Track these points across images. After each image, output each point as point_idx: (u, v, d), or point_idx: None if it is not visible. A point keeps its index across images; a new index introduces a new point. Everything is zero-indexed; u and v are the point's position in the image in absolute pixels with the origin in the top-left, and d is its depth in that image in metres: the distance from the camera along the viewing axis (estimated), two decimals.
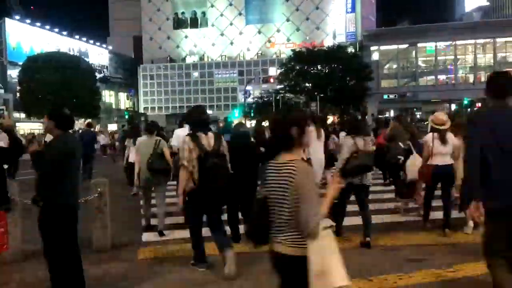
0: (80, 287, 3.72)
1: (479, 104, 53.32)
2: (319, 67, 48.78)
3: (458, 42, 59.63)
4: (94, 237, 5.27)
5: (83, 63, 49.53)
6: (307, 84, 48.75)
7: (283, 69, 51.08)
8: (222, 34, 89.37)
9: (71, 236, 3.69)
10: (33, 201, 3.68)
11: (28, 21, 65.52)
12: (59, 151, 3.60)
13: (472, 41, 59.27)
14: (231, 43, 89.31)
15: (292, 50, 56.68)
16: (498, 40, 58.29)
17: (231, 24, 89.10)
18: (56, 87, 39.53)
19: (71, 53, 61.39)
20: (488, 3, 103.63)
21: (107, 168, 14.85)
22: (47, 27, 68.91)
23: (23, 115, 47.44)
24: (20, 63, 49.65)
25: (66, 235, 3.63)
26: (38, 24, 67.10)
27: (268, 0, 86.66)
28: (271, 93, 52.79)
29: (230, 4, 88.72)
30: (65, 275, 3.66)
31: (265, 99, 56.32)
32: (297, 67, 49.12)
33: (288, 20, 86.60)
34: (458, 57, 61.10)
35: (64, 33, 72.71)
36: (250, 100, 56.63)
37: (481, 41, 59.22)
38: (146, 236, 5.91)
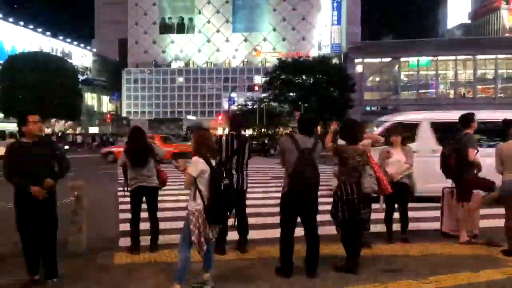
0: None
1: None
2: (303, 77, 49.15)
3: (439, 58, 60.97)
4: (69, 240, 5.18)
5: (66, 64, 48.84)
6: (291, 94, 49.03)
7: (268, 78, 51.30)
8: (208, 41, 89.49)
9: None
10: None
11: (11, 19, 64.44)
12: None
13: (453, 58, 60.70)
14: (217, 50, 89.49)
15: (277, 59, 57.05)
16: (478, 57, 59.82)
17: (218, 31, 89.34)
18: (37, 87, 38.84)
19: (54, 53, 60.58)
20: (469, 21, 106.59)
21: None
22: (31, 26, 67.92)
23: (0, 115, 46.45)
24: (1, 62, 48.69)
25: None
26: (21, 23, 66.07)
27: (256, 9, 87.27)
28: (256, 101, 52.93)
29: (218, 12, 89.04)
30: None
31: (249, 107, 56.44)
32: (282, 76, 49.41)
33: (274, 29, 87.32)
34: (439, 72, 62.43)
35: (48, 33, 71.77)
36: (234, 107, 56.67)
37: (462, 57, 60.68)
38: (123, 241, 5.82)
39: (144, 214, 5.47)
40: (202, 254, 4.00)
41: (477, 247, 5.53)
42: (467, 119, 5.92)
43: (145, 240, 5.45)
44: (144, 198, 5.40)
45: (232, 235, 5.41)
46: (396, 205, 6.04)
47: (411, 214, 7.66)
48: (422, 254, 5.25)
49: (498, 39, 72.74)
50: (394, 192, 5.52)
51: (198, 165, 3.88)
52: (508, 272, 4.61)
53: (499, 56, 59.22)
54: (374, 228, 6.56)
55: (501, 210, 5.50)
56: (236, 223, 5.31)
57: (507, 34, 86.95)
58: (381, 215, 7.32)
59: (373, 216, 7.40)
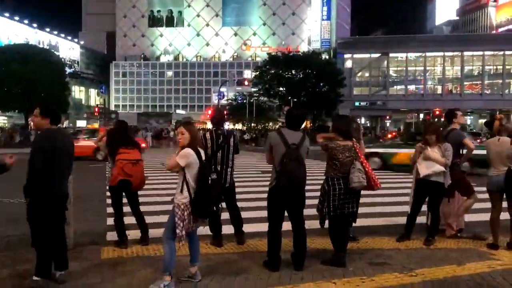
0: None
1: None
2: (293, 72, 49.18)
3: (428, 54, 61.45)
4: None
5: (53, 57, 48.05)
6: (281, 88, 49.09)
7: (258, 72, 51.23)
8: (198, 35, 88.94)
9: (57, 224, 4.05)
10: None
11: None
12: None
13: (441, 54, 61.22)
14: (207, 44, 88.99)
15: (267, 53, 56.96)
16: (465, 53, 60.43)
17: (207, 25, 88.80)
18: (23, 80, 38.13)
19: (41, 46, 59.60)
20: (457, 18, 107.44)
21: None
22: (16, 18, 66.71)
23: None
24: None
25: (52, 223, 3.97)
26: (7, 14, 64.88)
27: (245, 3, 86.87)
28: (245, 95, 52.86)
29: (207, 5, 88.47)
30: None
31: (239, 101, 56.36)
32: (272, 71, 49.39)
33: (264, 24, 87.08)
34: (428, 68, 62.94)
35: (34, 25, 70.56)
36: (223, 102, 56.51)
37: (450, 54, 61.24)
38: (111, 235, 5.79)
39: (128, 209, 5.47)
40: (180, 245, 3.97)
41: (462, 241, 5.62)
42: (451, 115, 6.01)
43: (132, 234, 5.44)
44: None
45: (229, 228, 5.45)
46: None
47: (396, 208, 7.76)
48: (408, 248, 5.31)
49: (485, 36, 73.54)
50: (425, 191, 5.46)
51: (188, 157, 3.87)
52: (493, 265, 4.69)
53: (486, 52, 59.91)
54: (361, 222, 6.62)
55: (486, 204, 5.59)
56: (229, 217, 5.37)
57: (494, 31, 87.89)
58: (368, 209, 7.39)
59: (359, 210, 7.47)
